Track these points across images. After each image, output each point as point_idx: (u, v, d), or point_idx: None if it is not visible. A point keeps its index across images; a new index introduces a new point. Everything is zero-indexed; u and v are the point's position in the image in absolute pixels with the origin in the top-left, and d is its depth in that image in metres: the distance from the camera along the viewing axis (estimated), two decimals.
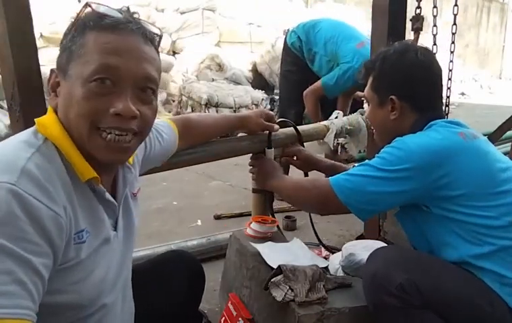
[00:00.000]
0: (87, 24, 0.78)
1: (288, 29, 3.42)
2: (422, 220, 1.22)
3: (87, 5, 0.80)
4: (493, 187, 1.14)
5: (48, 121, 0.79)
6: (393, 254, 1.19)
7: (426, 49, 1.35)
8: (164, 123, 1.23)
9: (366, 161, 1.26)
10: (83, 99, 0.75)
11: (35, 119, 0.81)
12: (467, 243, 1.14)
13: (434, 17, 2.14)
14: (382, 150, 1.24)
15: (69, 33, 0.80)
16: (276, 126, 1.59)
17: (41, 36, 6.01)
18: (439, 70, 1.34)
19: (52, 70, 0.81)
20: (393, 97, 1.30)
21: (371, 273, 1.12)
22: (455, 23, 2.23)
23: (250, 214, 1.94)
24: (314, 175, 1.86)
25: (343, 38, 3.13)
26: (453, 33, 2.23)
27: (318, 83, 3.20)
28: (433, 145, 1.16)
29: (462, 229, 1.14)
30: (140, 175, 1.15)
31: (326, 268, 1.50)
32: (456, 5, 2.22)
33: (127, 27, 0.78)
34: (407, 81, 1.29)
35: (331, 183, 1.24)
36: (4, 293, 0.61)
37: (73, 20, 0.80)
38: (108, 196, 0.86)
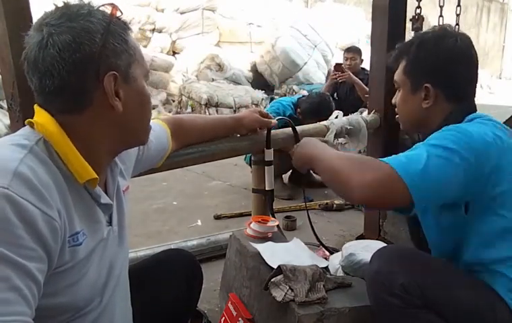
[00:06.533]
0: (125, 26, 0.81)
1: None
2: (446, 218, 1.17)
3: (115, 6, 0.79)
4: None
5: (45, 120, 0.77)
6: (396, 253, 1.19)
7: (465, 35, 1.25)
8: (153, 122, 1.22)
9: (418, 143, 1.11)
10: (149, 95, 0.88)
11: (28, 120, 0.79)
12: (488, 246, 1.11)
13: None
14: (431, 136, 1.11)
15: (117, 36, 0.78)
16: (274, 121, 1.57)
17: None
18: (477, 58, 1.25)
19: (114, 75, 0.77)
20: (427, 85, 1.21)
21: (374, 272, 1.12)
22: None
23: (250, 215, 1.94)
24: None
25: None
26: None
27: None
28: (487, 135, 1.08)
29: (489, 230, 1.11)
30: (139, 175, 1.15)
31: (326, 268, 1.50)
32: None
33: None
34: (445, 69, 1.20)
35: (392, 163, 1.02)
36: (0, 300, 0.61)
37: (105, 24, 0.76)
38: (103, 200, 0.85)
